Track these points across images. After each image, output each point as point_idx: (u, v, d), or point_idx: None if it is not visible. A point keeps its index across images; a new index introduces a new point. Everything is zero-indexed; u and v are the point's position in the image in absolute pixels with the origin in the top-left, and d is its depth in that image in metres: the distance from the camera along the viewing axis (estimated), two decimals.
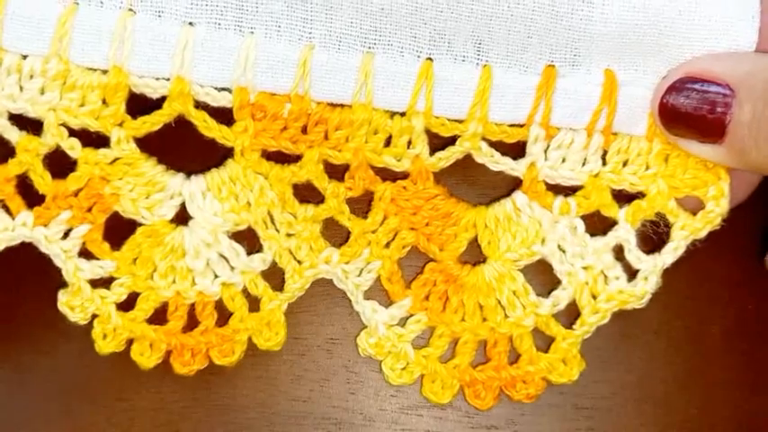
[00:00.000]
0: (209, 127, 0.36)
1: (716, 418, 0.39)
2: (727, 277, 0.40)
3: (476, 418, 0.39)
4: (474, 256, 0.39)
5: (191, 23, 0.35)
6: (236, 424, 0.38)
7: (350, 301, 0.39)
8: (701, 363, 0.40)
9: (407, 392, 0.39)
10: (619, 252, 0.39)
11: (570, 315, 0.38)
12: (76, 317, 0.37)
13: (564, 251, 0.39)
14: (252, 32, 0.36)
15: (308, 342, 0.38)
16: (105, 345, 0.37)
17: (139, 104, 0.36)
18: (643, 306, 0.39)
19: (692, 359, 0.40)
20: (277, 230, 0.38)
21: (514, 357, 0.39)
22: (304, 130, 0.37)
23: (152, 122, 0.36)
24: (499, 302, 0.39)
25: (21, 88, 0.35)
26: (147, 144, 0.37)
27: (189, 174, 0.37)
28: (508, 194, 0.39)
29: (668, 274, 0.38)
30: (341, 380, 0.39)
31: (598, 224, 0.38)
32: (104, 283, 0.37)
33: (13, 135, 0.35)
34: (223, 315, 0.38)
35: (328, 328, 0.39)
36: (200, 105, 0.36)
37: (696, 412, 0.39)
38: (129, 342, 0.37)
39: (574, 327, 0.39)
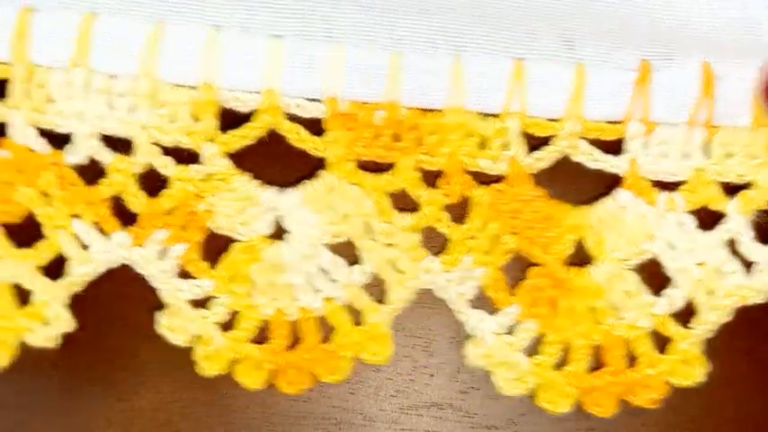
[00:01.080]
0: (301, 138, 0.34)
1: (718, 418, 0.36)
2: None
3: (476, 418, 0.36)
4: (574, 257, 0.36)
5: (278, 36, 0.34)
6: (236, 424, 0.35)
7: None
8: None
9: (407, 392, 0.36)
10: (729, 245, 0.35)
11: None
12: (178, 339, 0.34)
13: (674, 248, 0.36)
14: (340, 41, 0.34)
15: None
16: (209, 366, 0.34)
17: (227, 119, 0.34)
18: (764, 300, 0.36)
19: None
20: (376, 241, 0.35)
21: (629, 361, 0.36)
22: (397, 138, 0.34)
23: (243, 136, 0.34)
24: (612, 304, 0.36)
25: (111, 108, 0.33)
26: (238, 159, 0.34)
27: (282, 187, 0.34)
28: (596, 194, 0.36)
29: None
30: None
31: None
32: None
33: (106, 156, 0.33)
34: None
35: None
36: (290, 117, 0.34)
37: (698, 412, 0.36)
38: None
39: (690, 326, 0.36)
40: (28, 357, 0.34)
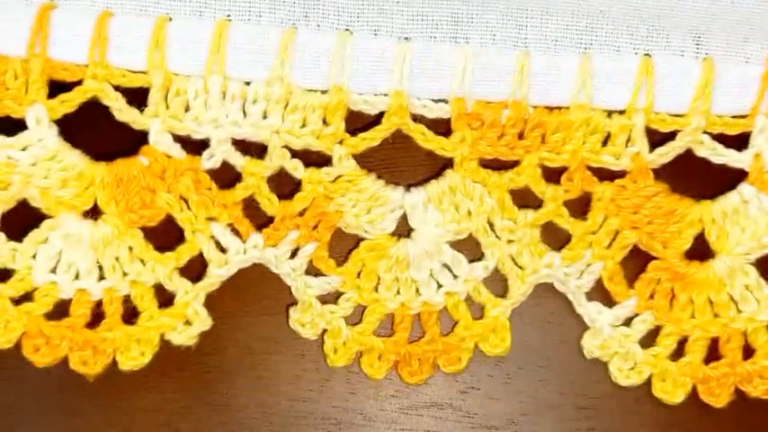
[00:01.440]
0: (427, 139, 0.34)
1: (716, 417, 0.36)
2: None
3: (476, 418, 0.36)
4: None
5: (407, 38, 0.33)
6: (236, 424, 0.35)
7: None
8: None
9: (407, 392, 0.36)
10: None
11: None
12: (308, 333, 0.35)
13: None
14: (467, 42, 0.34)
15: (308, 342, 0.35)
16: (337, 358, 0.35)
17: (351, 123, 0.34)
18: None
19: None
20: (498, 237, 0.35)
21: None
22: (520, 136, 0.34)
23: (371, 138, 0.34)
24: (731, 297, 0.35)
25: (245, 114, 0.33)
26: (364, 160, 0.35)
27: (408, 187, 0.35)
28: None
29: None
30: (341, 380, 0.36)
31: None
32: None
33: (239, 160, 0.34)
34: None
35: None
36: (416, 118, 0.34)
37: (697, 412, 0.36)
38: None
39: None
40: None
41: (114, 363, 0.35)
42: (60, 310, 0.34)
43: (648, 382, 0.36)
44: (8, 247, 0.33)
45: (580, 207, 0.35)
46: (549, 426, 0.36)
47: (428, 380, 0.36)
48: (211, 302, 0.35)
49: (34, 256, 0.33)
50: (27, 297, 0.34)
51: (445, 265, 0.35)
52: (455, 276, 0.35)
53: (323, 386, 0.36)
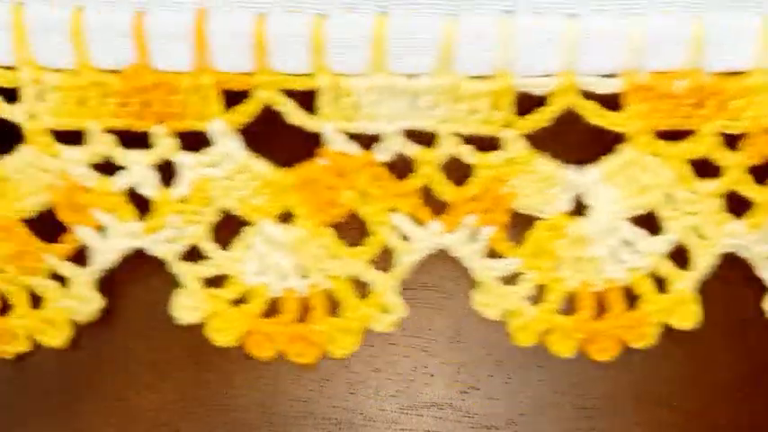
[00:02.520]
0: (600, 114, 0.32)
1: (717, 418, 0.35)
2: (728, 276, 0.34)
3: (476, 418, 0.34)
4: None
5: (573, 16, 0.31)
6: (236, 424, 0.35)
7: None
8: (702, 362, 0.35)
9: (407, 392, 0.35)
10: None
11: None
12: (491, 313, 0.35)
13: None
14: (638, 14, 0.31)
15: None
16: (524, 337, 0.35)
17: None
18: None
19: (693, 359, 0.35)
20: (678, 210, 0.33)
21: None
22: (698, 105, 0.32)
23: (540, 119, 0.32)
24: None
25: (413, 106, 0.33)
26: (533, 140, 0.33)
27: (579, 164, 0.33)
28: None
29: None
30: (341, 380, 0.35)
31: None
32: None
33: (411, 149, 0.33)
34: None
35: None
36: (584, 96, 0.32)
37: (697, 412, 0.34)
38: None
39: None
40: (27, 357, 0.36)
41: (114, 363, 0.35)
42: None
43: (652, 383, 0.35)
44: (220, 255, 0.35)
45: (761, 174, 0.33)
46: (549, 426, 0.35)
47: (428, 380, 0.35)
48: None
49: (242, 262, 0.35)
50: (241, 300, 0.35)
51: (625, 241, 0.34)
52: (636, 251, 0.34)
53: (323, 386, 0.35)
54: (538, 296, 0.35)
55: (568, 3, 0.32)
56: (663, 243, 0.34)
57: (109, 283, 0.35)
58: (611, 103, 0.33)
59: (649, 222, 0.34)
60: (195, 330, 0.35)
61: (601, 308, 0.35)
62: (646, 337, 0.34)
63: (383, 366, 0.36)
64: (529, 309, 0.35)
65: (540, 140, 0.34)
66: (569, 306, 0.35)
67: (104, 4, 0.32)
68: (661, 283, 0.35)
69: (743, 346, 0.36)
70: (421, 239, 0.34)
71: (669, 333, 0.35)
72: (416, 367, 0.35)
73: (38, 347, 0.36)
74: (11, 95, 0.33)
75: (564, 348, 0.35)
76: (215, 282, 0.35)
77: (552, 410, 0.35)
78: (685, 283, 0.34)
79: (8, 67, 0.33)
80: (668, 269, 0.34)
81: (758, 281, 0.35)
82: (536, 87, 0.33)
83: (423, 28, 0.32)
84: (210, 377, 0.35)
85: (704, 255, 0.34)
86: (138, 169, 0.34)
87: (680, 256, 0.34)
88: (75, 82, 0.33)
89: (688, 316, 0.34)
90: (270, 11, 0.32)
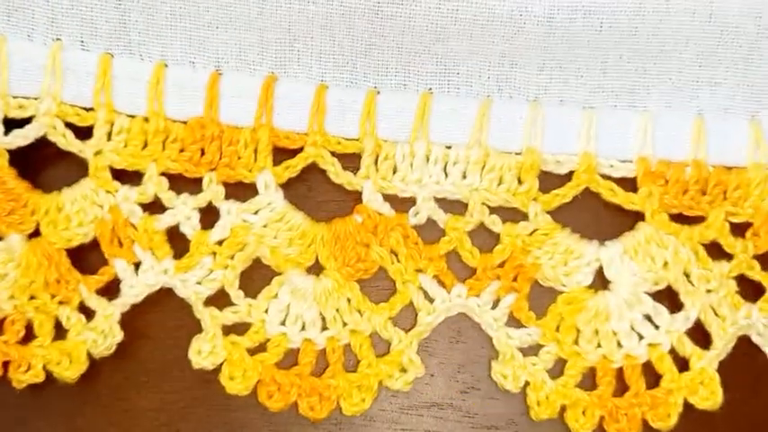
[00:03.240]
0: (615, 194, 0.34)
1: (716, 418, 0.34)
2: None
3: (476, 418, 0.34)
4: None
5: (590, 108, 0.35)
6: (236, 424, 0.34)
7: None
8: None
9: (407, 392, 0.34)
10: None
11: None
12: (509, 385, 0.34)
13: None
14: (645, 109, 0.35)
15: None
16: (541, 411, 0.34)
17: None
18: None
19: None
20: (695, 287, 0.34)
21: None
22: (703, 192, 0.35)
23: (563, 195, 0.35)
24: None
25: (446, 174, 0.35)
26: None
27: (601, 240, 0.35)
28: None
29: None
30: None
31: None
32: None
33: (442, 216, 0.35)
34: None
35: None
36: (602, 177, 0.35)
37: (696, 412, 0.34)
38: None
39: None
40: None
41: (114, 363, 0.35)
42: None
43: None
44: (245, 302, 0.35)
45: None
46: (549, 426, 0.34)
47: (428, 380, 0.35)
48: (212, 303, 0.35)
49: (266, 311, 0.35)
50: (260, 348, 0.35)
51: (646, 317, 0.34)
52: (656, 327, 0.34)
53: None
54: (558, 369, 0.34)
55: (586, 97, 0.36)
56: (682, 320, 0.34)
57: None
58: (629, 183, 0.35)
59: (670, 300, 0.35)
60: (196, 332, 0.35)
61: (622, 384, 0.34)
62: (667, 418, 0.33)
63: None
64: (548, 382, 0.34)
65: (564, 214, 0.35)
66: (590, 381, 0.34)
67: (186, 62, 0.36)
68: (681, 362, 0.34)
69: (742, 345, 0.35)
70: (444, 301, 0.35)
71: None
72: None
73: None
74: (83, 133, 0.36)
75: (583, 425, 0.33)
76: (234, 328, 0.35)
77: None
78: (705, 362, 0.34)
79: (86, 108, 0.36)
80: (689, 347, 0.34)
81: None
82: (558, 166, 0.35)
83: (462, 107, 0.36)
84: (210, 377, 0.35)
85: (723, 334, 0.34)
86: (183, 210, 0.35)
87: (701, 336, 0.34)
88: (143, 127, 0.35)
89: (710, 396, 0.33)
90: (331, 82, 0.36)
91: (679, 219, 0.35)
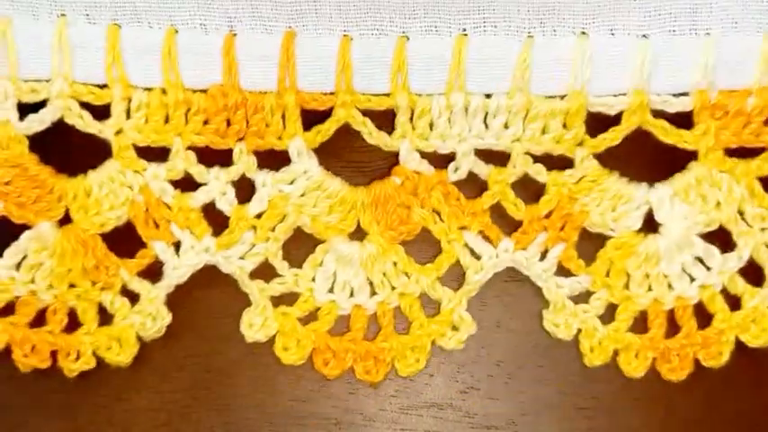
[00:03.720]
0: (668, 133, 0.32)
1: (716, 418, 0.34)
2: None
3: (476, 418, 0.34)
4: None
5: (644, 36, 0.32)
6: (236, 424, 0.34)
7: None
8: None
9: (407, 392, 0.34)
10: None
11: None
12: (562, 333, 0.34)
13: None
14: (707, 34, 0.32)
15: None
16: (594, 357, 0.34)
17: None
18: None
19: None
20: (750, 226, 0.33)
21: None
22: (767, 122, 0.32)
23: (612, 138, 0.33)
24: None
25: (486, 126, 0.33)
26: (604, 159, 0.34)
27: (651, 183, 0.33)
28: None
29: None
30: (341, 380, 0.34)
31: None
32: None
33: (484, 169, 0.34)
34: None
35: None
36: (655, 114, 0.33)
37: (696, 412, 0.34)
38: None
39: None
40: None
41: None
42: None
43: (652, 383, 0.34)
44: (291, 273, 0.34)
45: None
46: (549, 426, 0.34)
47: (428, 380, 0.35)
48: (212, 303, 0.35)
49: (313, 279, 0.34)
50: (310, 317, 0.35)
51: (697, 258, 0.34)
52: (708, 269, 0.33)
53: (323, 386, 0.35)
54: (609, 315, 0.34)
55: (641, 23, 0.32)
56: (735, 260, 0.33)
57: None
58: (681, 121, 0.33)
59: (721, 239, 0.34)
60: (196, 332, 0.35)
61: (673, 326, 0.34)
62: (719, 356, 0.33)
63: None
64: (600, 328, 0.34)
65: (612, 158, 0.34)
66: (641, 324, 0.34)
67: (196, 25, 0.33)
68: (733, 300, 0.34)
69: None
70: (491, 257, 0.34)
71: None
72: None
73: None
74: (100, 113, 0.33)
75: (635, 368, 0.34)
76: (283, 299, 0.35)
77: (552, 410, 0.35)
78: (758, 299, 0.33)
79: (100, 86, 0.33)
80: (741, 286, 0.33)
81: None
82: (607, 107, 0.33)
83: (499, 49, 0.33)
84: (210, 377, 0.35)
85: None
86: (217, 185, 0.34)
87: (753, 273, 0.34)
88: (162, 100, 0.33)
89: (761, 334, 0.33)
90: (354, 33, 0.33)
91: (734, 154, 0.33)
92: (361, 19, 0.33)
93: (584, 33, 0.32)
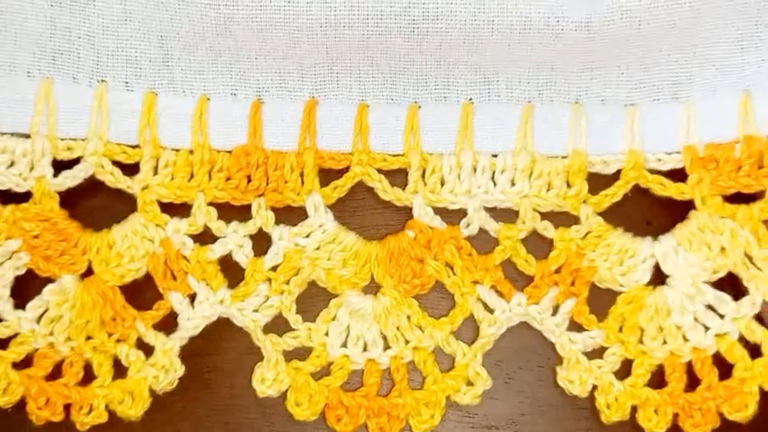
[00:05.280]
0: (665, 187, 0.34)
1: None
2: (728, 277, 0.34)
3: (476, 419, 0.33)
4: None
5: (632, 105, 0.35)
6: (236, 424, 0.33)
7: None
8: None
9: None
10: None
11: None
12: (577, 390, 0.33)
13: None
14: (688, 99, 0.34)
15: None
16: (611, 414, 0.33)
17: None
18: None
19: None
20: (759, 269, 0.33)
21: None
22: (757, 166, 0.34)
23: (613, 194, 0.34)
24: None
25: (494, 183, 0.34)
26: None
27: (654, 236, 0.34)
28: None
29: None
30: None
31: None
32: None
33: (493, 225, 0.34)
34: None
35: None
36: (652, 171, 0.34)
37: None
38: None
39: None
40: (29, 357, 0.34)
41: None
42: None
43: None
44: (305, 327, 0.34)
45: None
46: (549, 426, 0.34)
47: None
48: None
49: (327, 333, 0.34)
50: (323, 371, 0.34)
51: (709, 307, 0.33)
52: (722, 316, 0.33)
53: None
54: (624, 370, 0.33)
55: (628, 94, 0.35)
56: (749, 305, 0.33)
57: None
58: (679, 174, 0.34)
59: (734, 286, 0.34)
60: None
61: (693, 379, 0.33)
62: (745, 408, 0.32)
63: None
64: (616, 384, 0.33)
65: (614, 214, 0.35)
66: (659, 379, 0.33)
67: (227, 94, 0.35)
68: (754, 348, 0.33)
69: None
70: (504, 311, 0.34)
71: None
72: None
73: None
74: (129, 169, 0.35)
75: (657, 425, 0.32)
76: (296, 353, 0.34)
77: (552, 410, 0.34)
78: None
79: (131, 146, 0.35)
80: (759, 332, 0.33)
81: None
82: (605, 166, 0.35)
83: (503, 114, 0.35)
84: (210, 377, 0.34)
85: None
86: (235, 238, 0.34)
87: None
88: (188, 159, 0.35)
89: None
90: (371, 100, 0.35)
91: (734, 201, 0.34)
92: (378, 90, 0.35)
93: (577, 103, 0.35)
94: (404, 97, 0.35)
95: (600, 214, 0.35)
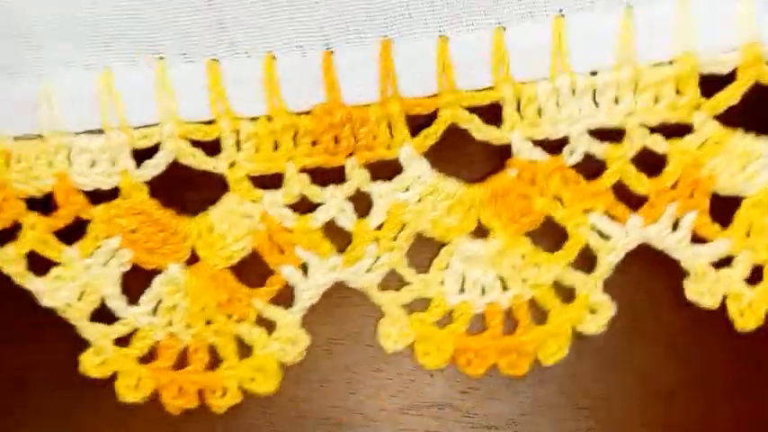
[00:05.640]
0: None
1: (717, 417, 0.33)
2: None
3: (476, 419, 0.33)
4: None
5: None
6: (236, 424, 0.33)
7: (348, 301, 0.34)
8: (703, 362, 0.33)
9: (408, 392, 0.33)
10: None
11: None
12: (707, 301, 0.32)
13: None
14: None
15: (308, 342, 0.33)
16: (745, 322, 0.32)
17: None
18: None
19: (693, 358, 0.33)
20: None
21: None
22: None
23: (730, 96, 0.31)
24: None
25: (596, 104, 0.32)
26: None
27: None
28: None
29: (668, 273, 0.32)
30: (341, 380, 0.33)
31: None
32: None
33: (599, 148, 0.32)
34: None
35: (328, 328, 0.34)
36: None
37: (697, 411, 0.33)
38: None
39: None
40: (28, 357, 0.34)
41: None
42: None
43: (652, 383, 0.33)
44: (419, 279, 0.34)
45: None
46: (549, 426, 0.33)
47: (428, 380, 0.34)
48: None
49: (442, 282, 0.33)
50: (445, 319, 0.34)
51: None
52: None
53: (323, 386, 0.34)
54: (755, 276, 0.32)
55: None
56: None
57: None
58: None
59: None
60: None
61: None
62: None
63: (383, 366, 0.34)
64: (748, 291, 0.32)
65: (731, 118, 0.32)
66: None
67: (294, 48, 0.32)
68: None
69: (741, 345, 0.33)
70: (622, 236, 0.33)
71: (670, 334, 0.33)
72: (417, 367, 0.34)
73: (35, 347, 0.35)
74: (210, 149, 0.33)
75: None
76: (416, 305, 0.34)
77: (552, 410, 0.34)
78: None
79: (206, 122, 0.33)
80: None
81: None
82: (719, 66, 0.31)
83: (599, 25, 0.32)
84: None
85: None
86: (335, 203, 0.33)
87: None
88: (269, 127, 0.33)
89: None
90: (450, 31, 0.32)
91: None
92: (456, 17, 0.32)
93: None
94: (486, 20, 0.32)
95: (716, 118, 0.32)
